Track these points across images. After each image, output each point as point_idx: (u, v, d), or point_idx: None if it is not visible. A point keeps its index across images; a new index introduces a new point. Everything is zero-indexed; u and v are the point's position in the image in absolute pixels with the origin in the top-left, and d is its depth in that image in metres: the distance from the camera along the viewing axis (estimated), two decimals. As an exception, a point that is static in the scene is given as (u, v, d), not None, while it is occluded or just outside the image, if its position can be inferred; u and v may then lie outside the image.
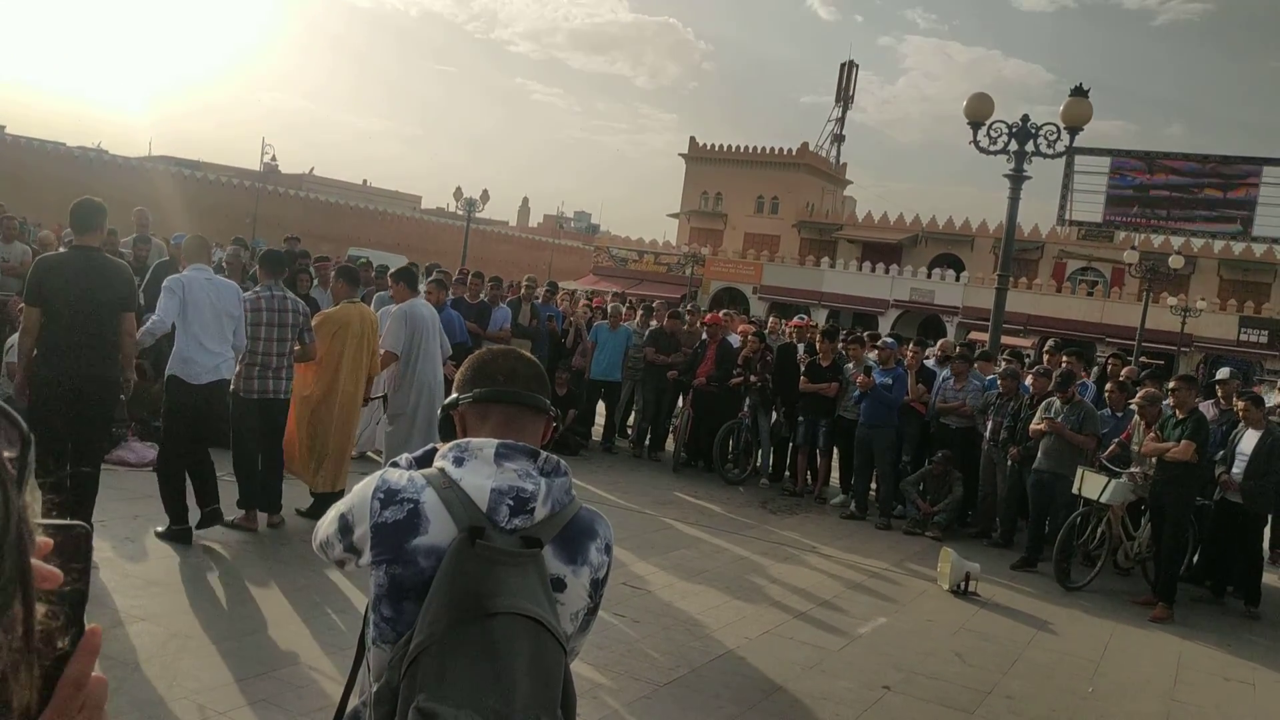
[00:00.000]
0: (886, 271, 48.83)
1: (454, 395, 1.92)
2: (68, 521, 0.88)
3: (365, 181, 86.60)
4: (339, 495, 7.55)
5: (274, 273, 7.15)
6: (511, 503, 1.72)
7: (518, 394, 1.88)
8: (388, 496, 1.73)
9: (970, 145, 13.01)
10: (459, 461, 1.77)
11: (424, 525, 1.69)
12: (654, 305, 13.84)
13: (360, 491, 1.80)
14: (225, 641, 4.97)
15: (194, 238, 7.01)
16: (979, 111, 12.97)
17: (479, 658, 1.56)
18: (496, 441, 1.79)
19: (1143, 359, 30.90)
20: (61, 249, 7.13)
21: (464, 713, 1.51)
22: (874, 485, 10.51)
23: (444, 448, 1.82)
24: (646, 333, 12.36)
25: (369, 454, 9.48)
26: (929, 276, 48.39)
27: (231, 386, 6.80)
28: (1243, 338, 41.83)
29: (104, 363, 5.82)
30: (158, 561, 6.01)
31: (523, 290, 12.33)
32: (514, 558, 1.66)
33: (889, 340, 10.94)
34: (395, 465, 1.85)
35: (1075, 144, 13.18)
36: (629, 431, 13.05)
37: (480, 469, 1.75)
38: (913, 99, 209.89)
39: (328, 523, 1.87)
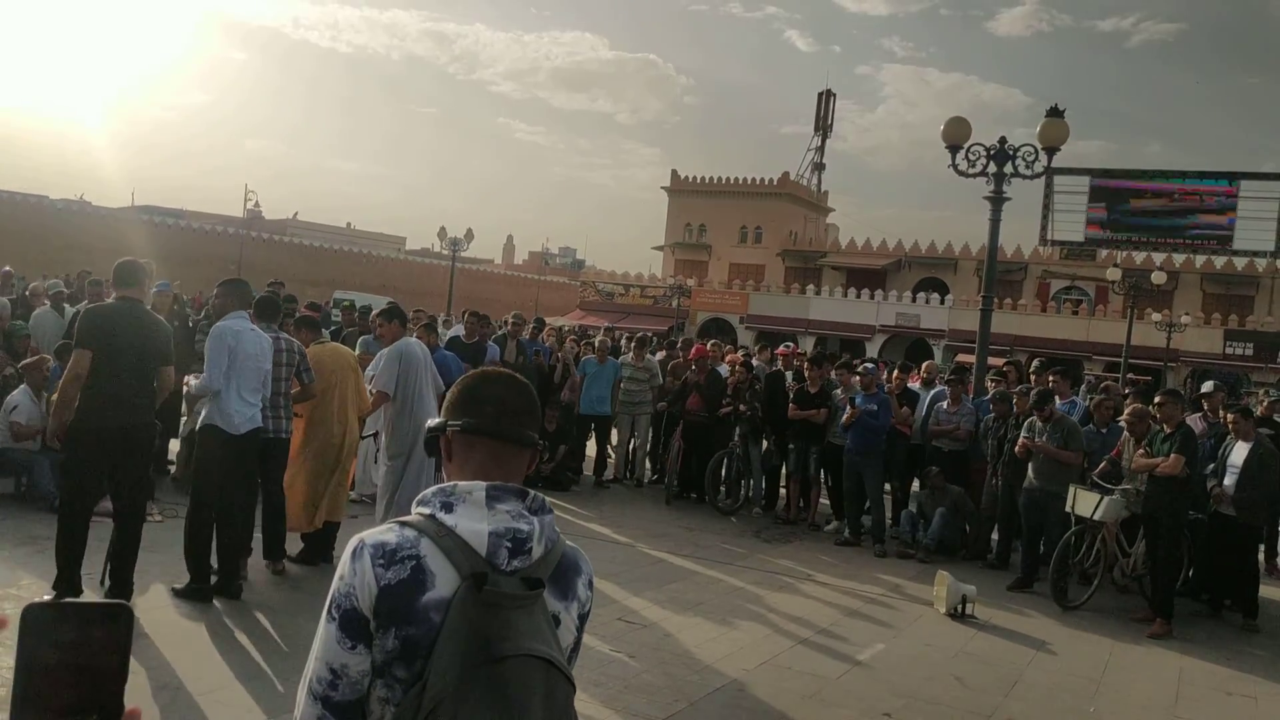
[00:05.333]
0: (872, 297, 49.05)
1: (442, 419, 1.86)
2: (112, 601, 0.87)
3: (349, 224, 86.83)
4: (334, 527, 7.50)
5: (268, 317, 7.18)
6: (510, 545, 1.69)
7: (508, 430, 1.84)
8: (387, 558, 1.65)
9: (949, 169, 13.10)
10: (448, 507, 1.72)
11: (430, 580, 1.64)
12: (649, 336, 13.83)
13: (345, 570, 1.68)
14: (215, 692, 4.90)
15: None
16: (956, 135, 13.05)
17: (495, 703, 1.55)
18: (485, 484, 1.75)
19: (1130, 375, 31.04)
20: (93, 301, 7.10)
21: None
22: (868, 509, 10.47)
23: (427, 493, 1.77)
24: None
25: (364, 498, 9.42)
26: (914, 300, 48.63)
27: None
28: (1228, 351, 42.05)
29: (146, 413, 5.96)
30: (146, 612, 5.93)
31: (509, 327, 12.31)
32: (520, 600, 1.64)
33: (869, 365, 10.96)
34: (360, 538, 1.73)
35: (1054, 164, 13.26)
36: (630, 467, 12.96)
37: (473, 513, 1.71)
38: (892, 126, 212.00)
39: (316, 655, 1.69)
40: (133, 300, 5.98)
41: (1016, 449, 9.06)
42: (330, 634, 1.66)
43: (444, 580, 1.64)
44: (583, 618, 1.84)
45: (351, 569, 1.67)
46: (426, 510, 1.73)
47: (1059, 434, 8.91)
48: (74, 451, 5.80)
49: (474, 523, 1.69)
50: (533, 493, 1.78)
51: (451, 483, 1.76)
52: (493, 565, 1.66)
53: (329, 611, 1.67)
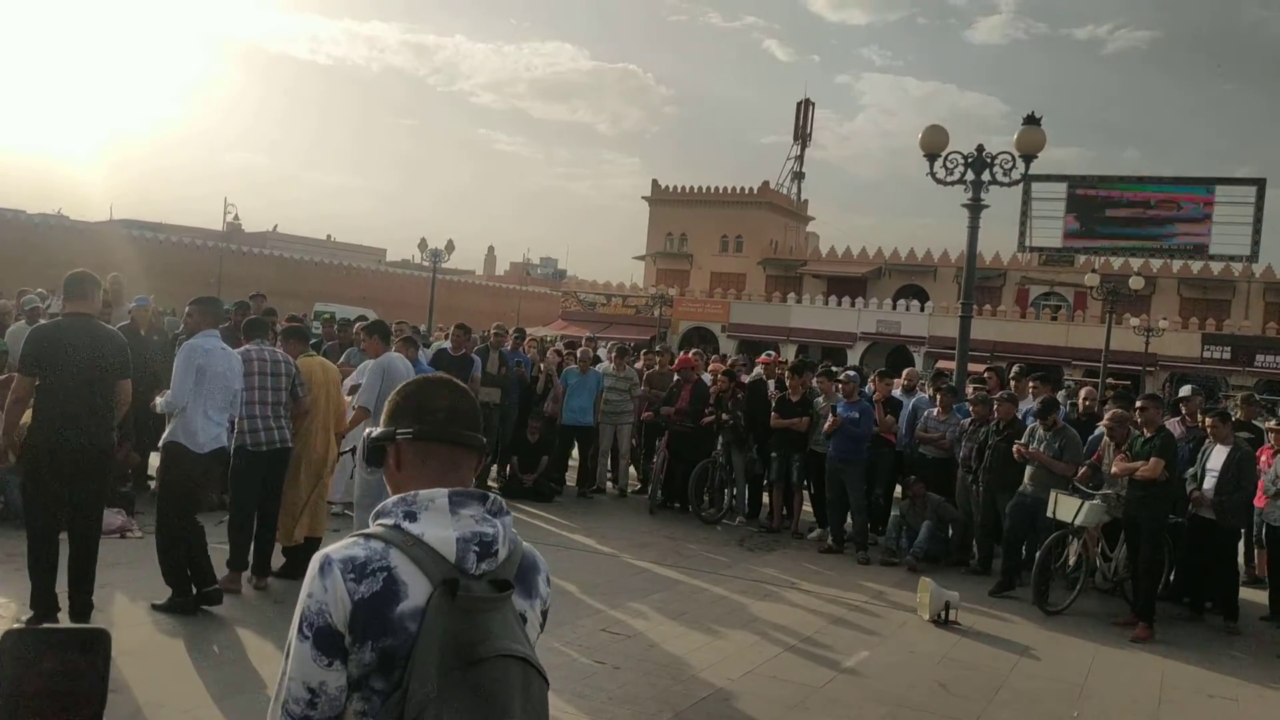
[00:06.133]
0: (852, 305, 49.24)
1: (389, 427, 1.85)
2: (90, 626, 0.86)
3: (329, 237, 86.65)
4: (316, 542, 7.46)
5: (258, 335, 7.26)
6: (477, 549, 1.71)
7: (461, 435, 1.85)
8: (358, 572, 1.65)
9: (928, 177, 13.18)
10: (412, 516, 1.73)
11: (403, 590, 1.64)
12: (631, 346, 13.83)
13: (314, 588, 1.67)
14: (200, 709, 4.87)
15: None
16: (934, 143, 13.14)
17: (477, 704, 1.57)
18: (446, 491, 1.76)
19: (1109, 380, 31.22)
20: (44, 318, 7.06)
21: None
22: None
23: (388, 503, 1.77)
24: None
25: (346, 510, 9.38)
26: (894, 308, 48.85)
27: (236, 444, 6.86)
28: (1206, 355, 42.40)
29: (102, 430, 5.87)
30: (128, 630, 5.88)
31: (491, 338, 12.29)
32: (493, 602, 1.67)
33: (851, 374, 10.99)
34: (327, 554, 1.72)
35: (1031, 171, 13.38)
36: (611, 478, 12.95)
37: (438, 519, 1.72)
38: (871, 134, 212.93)
39: (290, 675, 1.68)
40: (83, 315, 5.87)
41: (1014, 452, 9.07)
42: (304, 652, 1.66)
43: (416, 589, 1.65)
44: (544, 613, 1.88)
45: (321, 585, 1.66)
46: (389, 521, 1.73)
47: (1057, 443, 8.94)
48: (31, 472, 5.74)
49: (440, 529, 1.70)
50: (492, 495, 1.80)
51: (411, 492, 1.77)
52: (462, 570, 1.67)
53: (300, 630, 1.66)
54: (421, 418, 1.83)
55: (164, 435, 6.46)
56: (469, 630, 1.62)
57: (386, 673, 1.62)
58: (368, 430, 1.89)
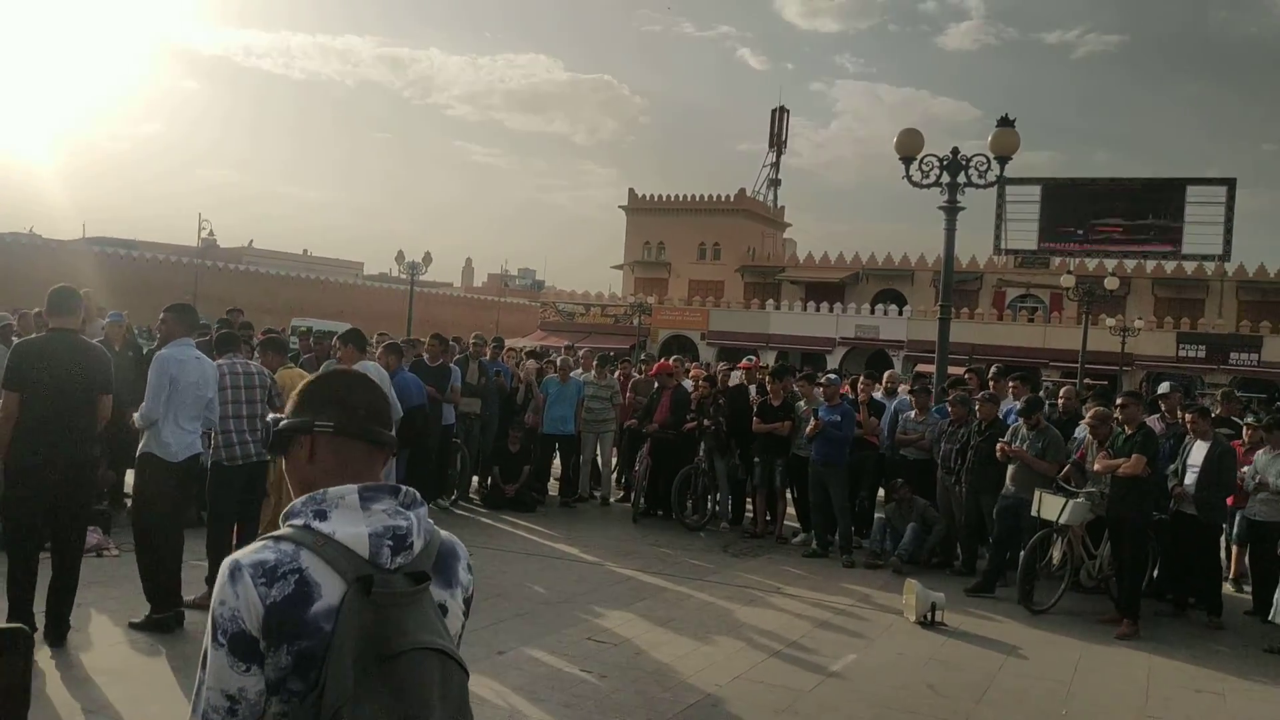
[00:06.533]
0: (831, 310, 49.36)
1: (304, 418, 1.80)
2: (9, 625, 0.81)
3: (306, 251, 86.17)
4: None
5: (231, 349, 7.24)
6: (391, 543, 1.69)
7: (379, 434, 1.84)
8: (268, 575, 1.61)
9: (903, 180, 13.22)
10: (321, 515, 1.69)
11: (315, 591, 1.62)
12: (609, 354, 13.79)
13: (226, 594, 1.63)
14: (179, 728, 4.78)
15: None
16: (910, 146, 13.19)
17: (394, 699, 1.57)
18: (356, 487, 1.73)
19: (1087, 380, 31.41)
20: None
21: None
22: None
23: (297, 504, 1.73)
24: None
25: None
26: (872, 313, 49.00)
27: (211, 460, 6.80)
28: (1181, 354, 42.72)
29: (85, 445, 5.83)
30: (106, 649, 5.80)
31: (470, 349, 12.22)
32: (408, 597, 1.65)
33: (832, 377, 10.98)
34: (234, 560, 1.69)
35: (1006, 174, 13.43)
36: (593, 487, 12.89)
37: (349, 516, 1.69)
38: (846, 141, 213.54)
39: (208, 685, 1.64)
40: (66, 330, 5.85)
41: (997, 452, 9.08)
42: (220, 660, 1.63)
43: (330, 589, 1.63)
44: (467, 601, 1.86)
45: (233, 591, 1.63)
46: (299, 521, 1.70)
47: (1040, 442, 8.95)
48: (13, 489, 5.68)
49: (352, 526, 1.68)
50: (404, 489, 1.78)
51: (320, 490, 1.73)
52: (376, 565, 1.66)
53: (215, 638, 1.64)
54: (340, 412, 1.80)
55: (139, 448, 6.38)
56: (384, 626, 1.60)
57: (303, 674, 1.60)
58: (273, 416, 1.85)
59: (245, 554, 1.67)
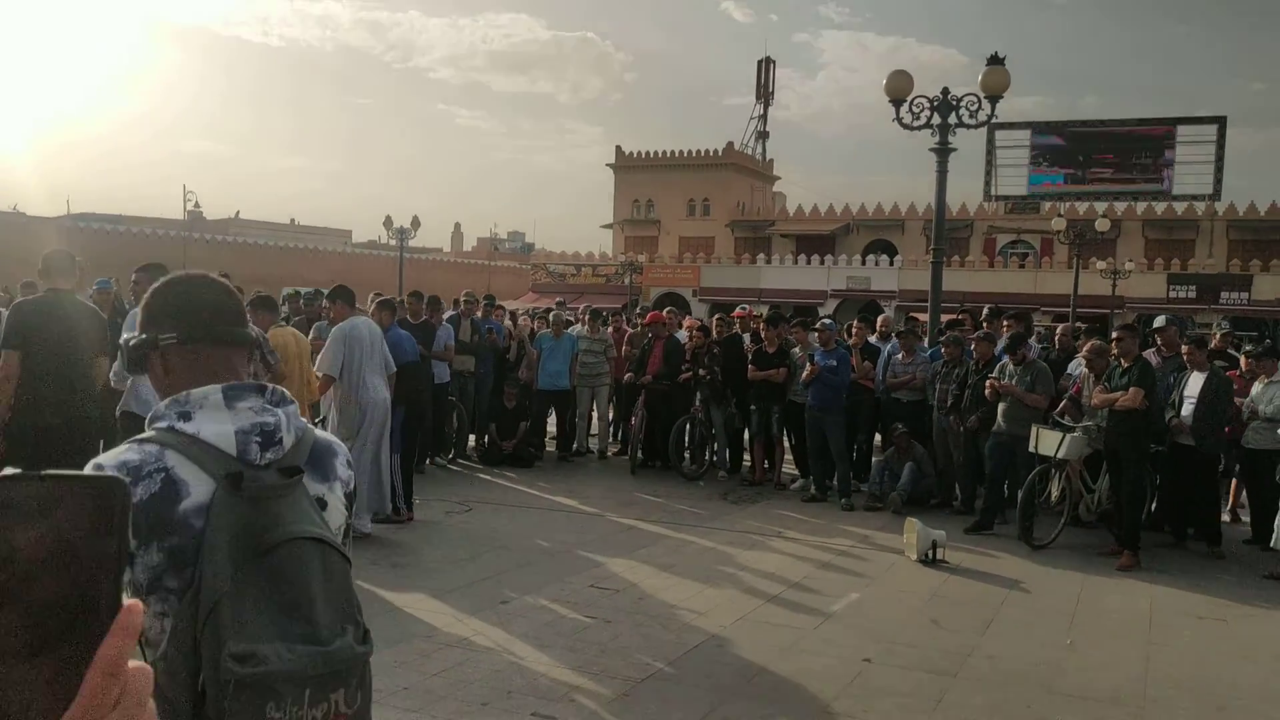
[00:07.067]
0: (822, 262, 49.22)
1: (149, 333, 1.77)
2: (101, 474, 0.74)
3: (293, 220, 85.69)
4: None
5: None
6: (259, 439, 1.67)
7: (230, 333, 1.80)
8: (133, 475, 1.59)
9: (893, 126, 13.09)
10: (185, 416, 1.68)
11: (183, 488, 1.60)
12: (601, 309, 13.71)
13: None
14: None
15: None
16: (899, 89, 13.03)
17: (274, 590, 1.56)
18: (220, 386, 1.71)
19: (1078, 324, 31.41)
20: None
21: (275, 646, 1.52)
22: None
23: (160, 407, 1.72)
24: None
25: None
26: (864, 264, 48.89)
27: None
28: (1172, 294, 42.68)
29: (84, 405, 5.80)
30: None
31: (461, 307, 12.11)
32: (280, 489, 1.65)
33: (828, 322, 10.92)
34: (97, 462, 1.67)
35: (995, 120, 13.29)
36: (592, 441, 12.85)
37: (213, 416, 1.68)
38: (833, 92, 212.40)
39: None
40: (62, 290, 5.81)
41: (985, 390, 9.07)
42: None
43: (198, 486, 1.61)
44: (349, 496, 1.85)
45: None
46: (163, 424, 1.68)
47: (1028, 376, 8.93)
48: (12, 451, 5.64)
49: (216, 425, 1.67)
50: (271, 386, 1.76)
51: (183, 392, 1.71)
52: (246, 462, 1.65)
53: None
54: (183, 320, 1.77)
55: (118, 406, 6.33)
56: (259, 519, 1.59)
57: (179, 571, 1.59)
58: (126, 337, 1.81)
59: (108, 457, 1.65)
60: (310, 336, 9.77)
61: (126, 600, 0.69)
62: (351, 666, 1.62)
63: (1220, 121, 43.99)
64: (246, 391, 1.72)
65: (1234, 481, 10.08)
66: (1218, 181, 43.45)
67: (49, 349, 5.59)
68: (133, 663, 0.67)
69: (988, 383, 9.06)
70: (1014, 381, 8.95)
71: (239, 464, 1.64)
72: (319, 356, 7.75)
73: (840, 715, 4.79)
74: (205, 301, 1.80)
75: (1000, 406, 9.02)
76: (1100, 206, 45.00)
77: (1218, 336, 10.96)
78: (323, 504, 1.76)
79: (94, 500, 0.70)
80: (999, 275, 46.22)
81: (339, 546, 1.67)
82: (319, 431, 1.84)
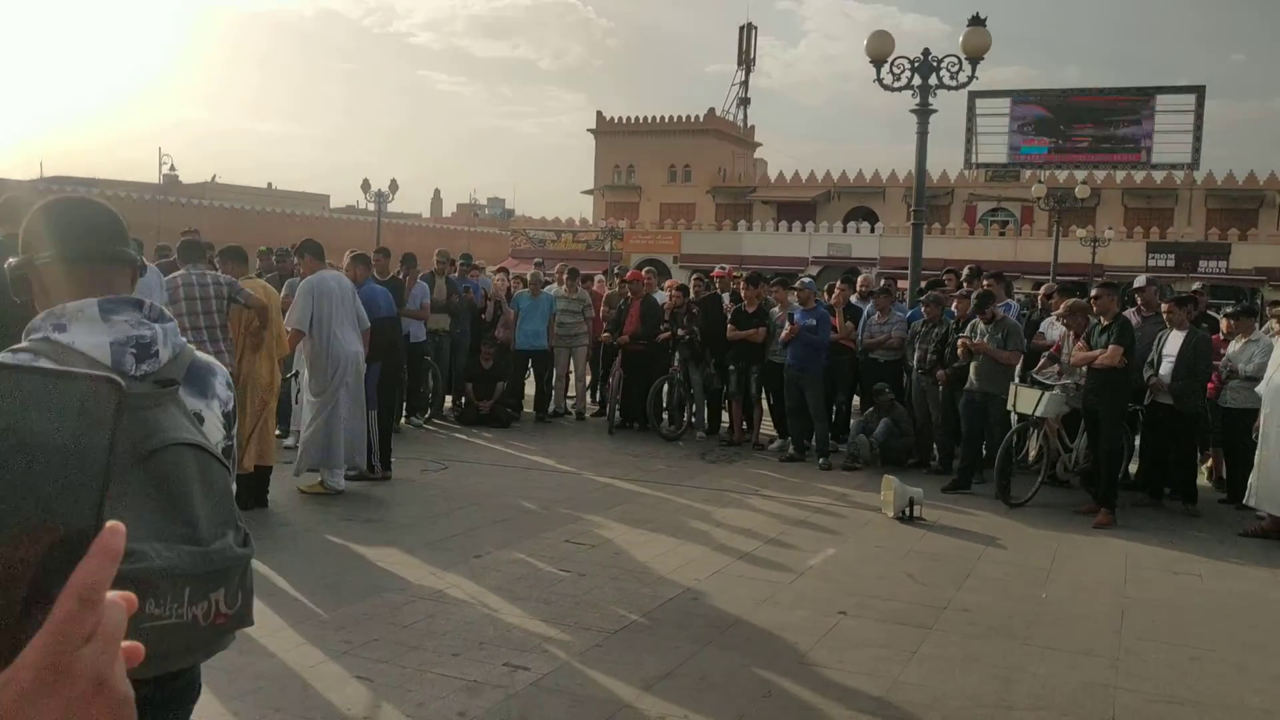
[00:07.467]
0: (803, 229, 49.17)
1: (24, 255, 1.77)
2: (92, 371, 0.65)
3: (270, 185, 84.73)
4: (268, 470, 7.23)
5: (193, 259, 7.15)
6: (135, 350, 1.68)
7: (107, 251, 1.78)
8: None
9: (876, 90, 12.98)
10: (61, 328, 1.68)
11: None
12: (578, 270, 13.55)
13: None
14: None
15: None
16: (880, 50, 12.91)
17: (153, 494, 1.57)
18: (96, 300, 1.70)
19: (1057, 282, 31.46)
20: None
21: (154, 544, 1.52)
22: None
23: (36, 320, 1.71)
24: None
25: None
26: (845, 231, 48.86)
27: None
28: (1151, 263, 42.80)
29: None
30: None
31: (435, 266, 11.94)
32: (155, 399, 1.67)
33: (807, 280, 10.84)
34: None
35: (976, 82, 13.19)
36: (569, 402, 12.75)
37: (89, 328, 1.68)
38: (815, 60, 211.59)
39: None
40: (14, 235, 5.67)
41: (958, 349, 9.04)
42: None
43: None
44: (228, 415, 1.88)
45: None
46: (39, 335, 1.68)
47: (999, 334, 8.90)
48: None
49: (92, 336, 1.67)
50: (149, 301, 1.75)
51: (59, 304, 1.70)
52: (120, 373, 1.63)
53: None
54: (58, 241, 1.76)
55: None
56: (135, 428, 1.60)
57: None
58: (7, 262, 1.79)
59: None
60: (282, 293, 9.63)
61: (109, 522, 0.61)
62: (232, 567, 1.64)
63: (1199, 91, 44.02)
64: (123, 305, 1.72)
65: (1218, 450, 10.01)
66: (1196, 151, 43.53)
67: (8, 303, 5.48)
68: (111, 593, 0.58)
69: (959, 341, 9.02)
70: (985, 340, 8.92)
71: (113, 374, 1.58)
72: (288, 311, 7.63)
73: (815, 665, 4.76)
74: (81, 221, 1.78)
75: (972, 365, 8.98)
76: (1080, 175, 45.05)
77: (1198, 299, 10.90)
78: (200, 419, 1.77)
79: (86, 395, 0.62)
80: (979, 242, 46.26)
81: (219, 455, 1.70)
82: (201, 354, 1.85)
